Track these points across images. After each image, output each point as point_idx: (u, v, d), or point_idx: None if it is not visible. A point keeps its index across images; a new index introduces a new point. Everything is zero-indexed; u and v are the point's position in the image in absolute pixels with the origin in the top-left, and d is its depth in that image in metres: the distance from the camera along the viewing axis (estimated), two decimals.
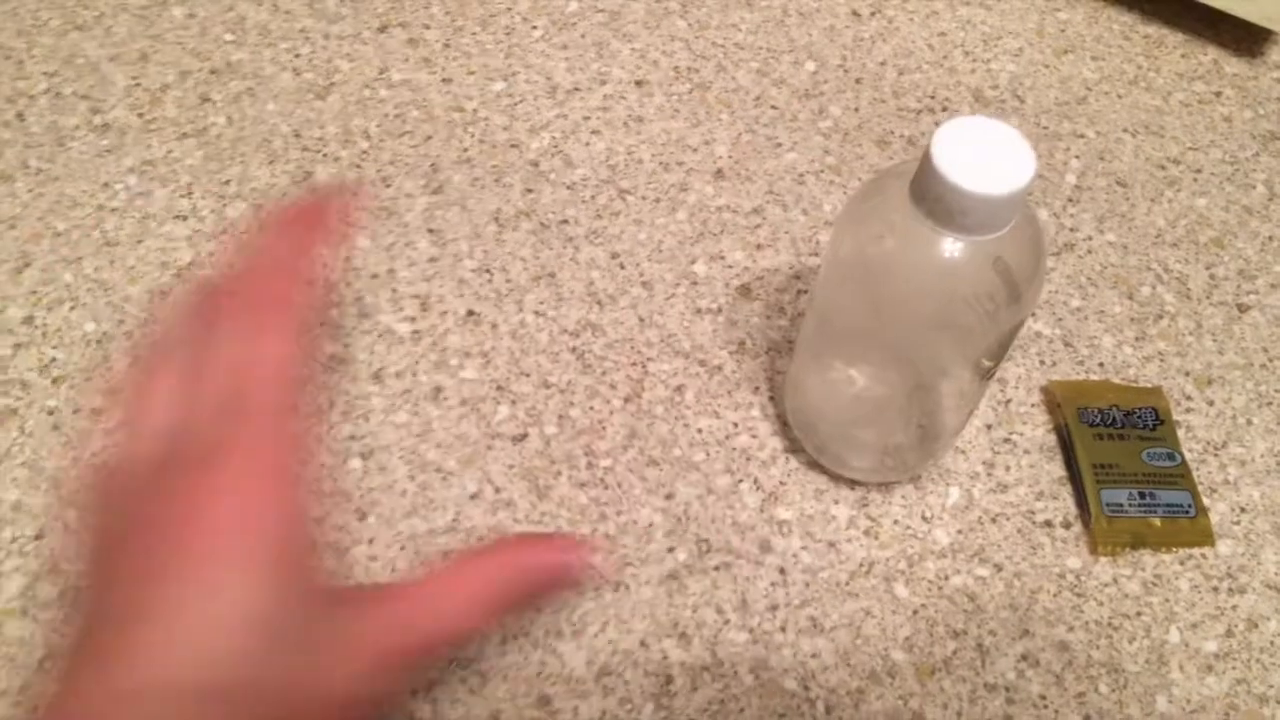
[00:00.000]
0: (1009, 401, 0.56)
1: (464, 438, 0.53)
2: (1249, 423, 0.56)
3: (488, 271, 0.58)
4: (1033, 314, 0.58)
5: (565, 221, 0.60)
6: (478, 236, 0.59)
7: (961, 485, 0.53)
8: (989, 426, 0.55)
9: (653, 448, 0.53)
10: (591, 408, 0.54)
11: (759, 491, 0.52)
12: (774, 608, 0.49)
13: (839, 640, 0.49)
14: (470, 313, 0.57)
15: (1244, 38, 0.73)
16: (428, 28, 0.68)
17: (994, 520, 0.52)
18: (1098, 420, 0.54)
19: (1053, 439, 0.55)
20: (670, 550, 0.50)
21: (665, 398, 0.55)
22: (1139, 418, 0.54)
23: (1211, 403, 0.56)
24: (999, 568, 0.51)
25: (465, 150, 0.63)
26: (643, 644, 0.48)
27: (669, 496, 0.52)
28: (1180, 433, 0.55)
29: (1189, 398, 0.57)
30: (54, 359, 0.54)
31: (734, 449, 0.53)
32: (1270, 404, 0.57)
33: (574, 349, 0.56)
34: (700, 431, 0.54)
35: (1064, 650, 0.49)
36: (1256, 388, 0.57)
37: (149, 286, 0.56)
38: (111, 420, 0.37)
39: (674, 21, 0.70)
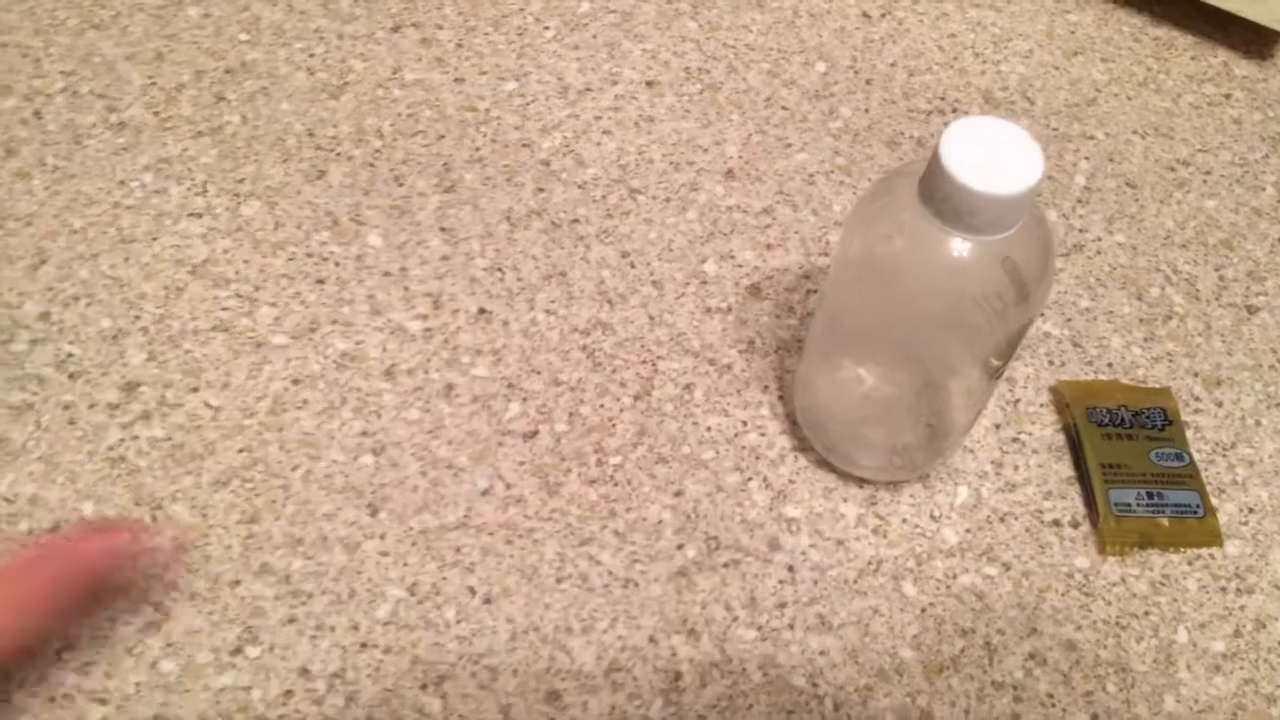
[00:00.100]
0: (1018, 401, 0.56)
1: (475, 434, 0.53)
2: (1257, 424, 0.56)
3: (499, 270, 0.59)
4: (1041, 314, 0.59)
5: (576, 220, 0.61)
6: (489, 235, 0.60)
7: (970, 484, 0.53)
8: (997, 426, 0.55)
9: (662, 445, 0.54)
10: (602, 405, 0.55)
11: (768, 489, 0.52)
12: (782, 605, 0.49)
13: (847, 638, 0.49)
14: (482, 311, 0.57)
15: (1254, 40, 0.73)
16: (440, 28, 0.69)
17: (1002, 519, 0.52)
18: (1106, 420, 0.54)
19: (1061, 439, 0.55)
20: (679, 547, 0.51)
21: (675, 396, 0.55)
22: (1147, 418, 0.55)
23: (1220, 404, 0.57)
24: (1007, 567, 0.51)
25: (477, 149, 0.63)
26: (652, 640, 0.48)
27: (678, 494, 0.52)
28: (1189, 433, 0.55)
29: (1197, 398, 0.57)
30: (70, 354, 0.55)
31: (743, 447, 0.54)
32: (1279, 405, 0.57)
33: (584, 347, 0.56)
34: (709, 429, 0.54)
35: (1072, 649, 0.49)
36: (1265, 389, 0.57)
37: (164, 283, 0.57)
38: None
39: (685, 22, 0.70)
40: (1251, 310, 0.60)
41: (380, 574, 0.49)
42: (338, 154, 0.62)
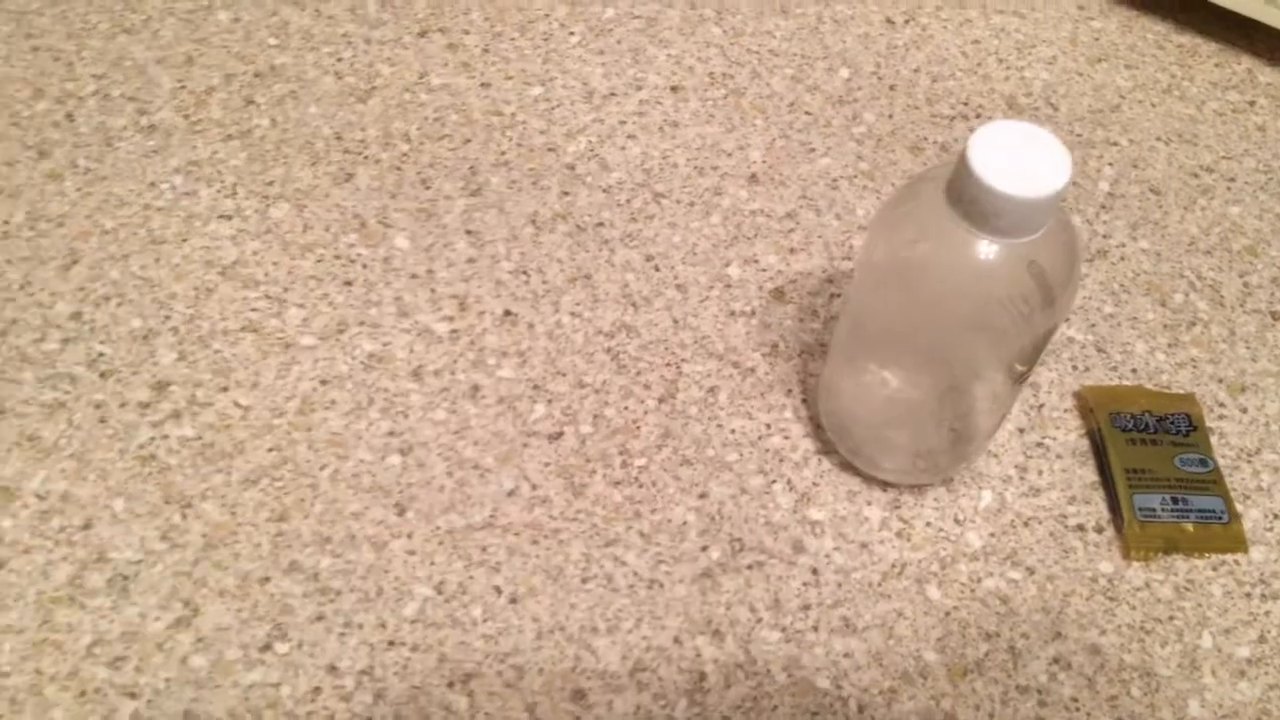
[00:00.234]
0: (1041, 406, 0.56)
1: (501, 435, 0.54)
2: None
3: (525, 273, 0.59)
4: (1066, 319, 0.59)
5: (601, 224, 0.61)
6: (515, 238, 0.60)
7: (994, 488, 0.53)
8: (1021, 430, 0.55)
9: (686, 447, 0.54)
10: (626, 408, 0.55)
11: (792, 492, 0.53)
12: (806, 607, 0.50)
13: (871, 640, 0.49)
14: (507, 313, 0.58)
15: (1278, 48, 0.73)
16: (467, 33, 0.69)
17: (1026, 524, 0.52)
18: (1130, 425, 0.54)
19: (1085, 444, 0.55)
20: (704, 549, 0.51)
21: (699, 399, 0.55)
22: (1172, 424, 0.55)
23: (1244, 410, 0.56)
24: (1031, 571, 0.51)
25: (503, 153, 0.64)
26: (676, 641, 0.49)
27: (702, 496, 0.52)
28: (1213, 439, 0.55)
29: (1222, 404, 0.57)
30: (101, 354, 0.55)
31: (767, 450, 0.54)
32: None
33: (609, 350, 0.57)
34: (733, 432, 0.54)
35: (1096, 654, 0.49)
36: None
37: (194, 284, 0.58)
38: None
39: (709, 28, 0.71)
40: (1276, 317, 0.60)
41: (408, 573, 0.50)
42: (365, 157, 0.63)
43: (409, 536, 0.51)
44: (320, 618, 0.48)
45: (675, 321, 0.58)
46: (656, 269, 0.60)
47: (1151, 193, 0.65)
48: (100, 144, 0.63)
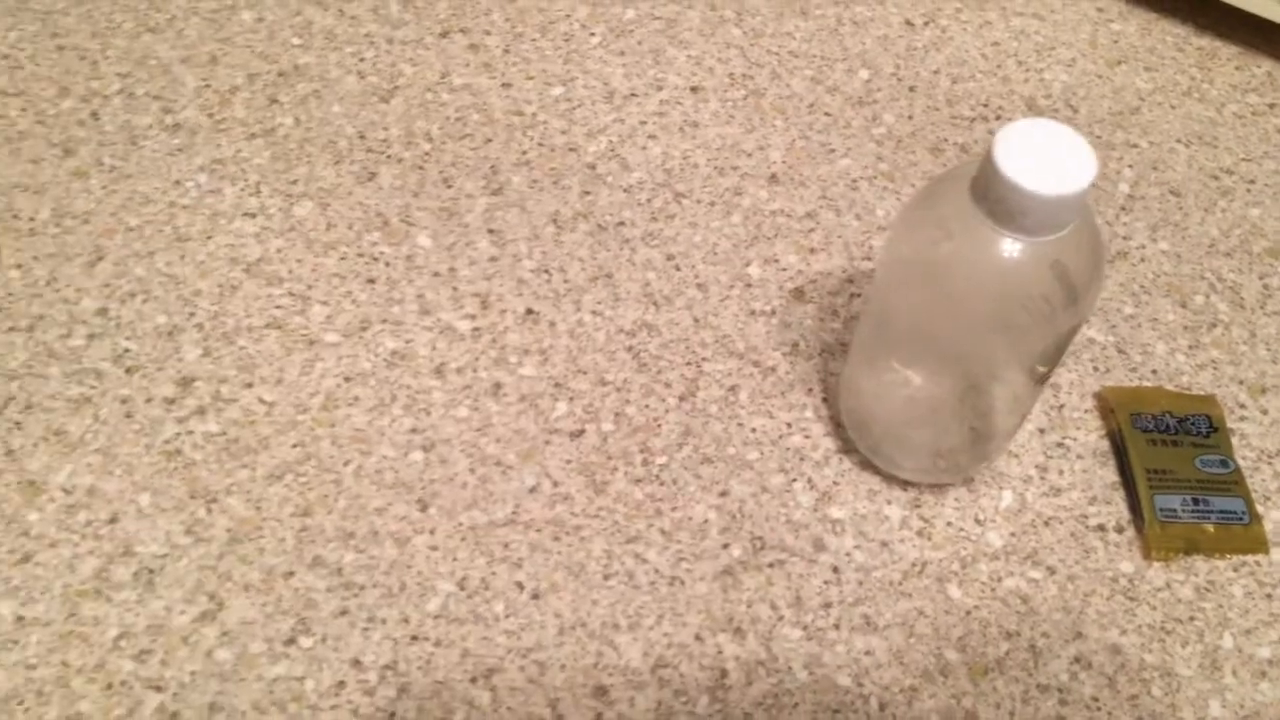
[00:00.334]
0: (1062, 406, 0.56)
1: (523, 433, 0.54)
2: None
3: (546, 271, 0.59)
4: (1086, 320, 0.59)
5: (622, 223, 0.61)
6: (536, 237, 0.61)
7: (1014, 488, 0.53)
8: (1042, 431, 0.55)
9: (707, 446, 0.54)
10: (647, 406, 0.55)
11: (812, 491, 0.53)
12: (828, 605, 0.50)
13: (892, 639, 0.49)
14: (529, 311, 0.58)
15: None
16: (488, 33, 0.70)
17: (1047, 523, 0.52)
18: (1151, 426, 0.54)
19: (1106, 444, 0.55)
20: (725, 546, 0.51)
21: (719, 397, 0.56)
22: (1192, 425, 0.55)
23: (1265, 411, 0.56)
24: (1052, 570, 0.51)
25: (524, 153, 0.64)
26: (698, 638, 0.49)
27: (723, 494, 0.53)
28: (1234, 440, 0.55)
29: (1242, 406, 0.57)
30: (127, 350, 0.56)
31: (787, 448, 0.54)
32: None
33: (630, 348, 0.57)
34: (754, 431, 0.55)
35: (1117, 653, 0.49)
36: None
37: (219, 281, 0.58)
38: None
39: (729, 29, 0.71)
40: None
41: (430, 568, 0.50)
42: (388, 156, 0.63)
43: (432, 532, 0.51)
44: (344, 612, 0.49)
45: (696, 320, 0.58)
46: (677, 268, 0.60)
47: (1171, 194, 0.65)
48: (125, 142, 0.63)
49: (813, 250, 0.61)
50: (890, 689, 0.48)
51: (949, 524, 0.52)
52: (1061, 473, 0.54)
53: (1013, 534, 0.52)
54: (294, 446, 0.53)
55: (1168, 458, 0.54)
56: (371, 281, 0.58)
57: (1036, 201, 0.39)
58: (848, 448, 0.54)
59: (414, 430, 0.54)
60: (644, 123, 0.66)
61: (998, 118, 0.67)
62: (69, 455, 0.52)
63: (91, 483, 0.52)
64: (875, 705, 0.47)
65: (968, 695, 0.48)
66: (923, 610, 0.50)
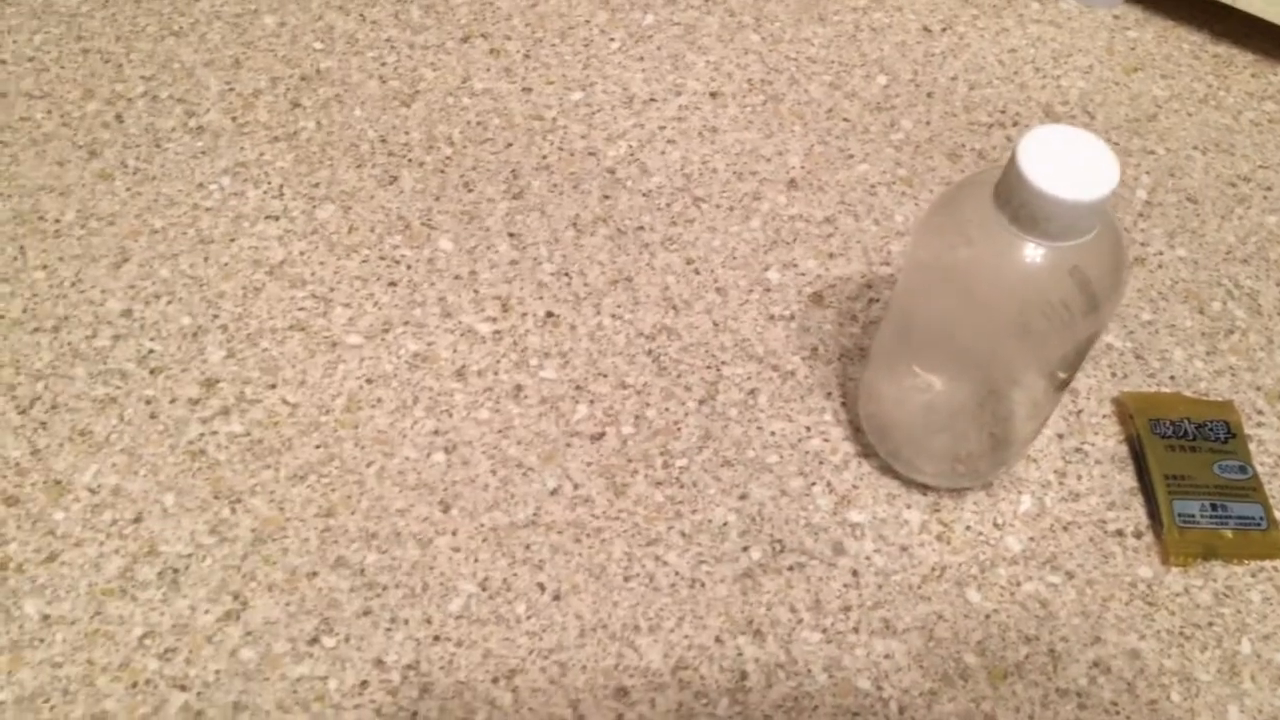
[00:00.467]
0: (1080, 412, 0.56)
1: (544, 435, 0.54)
2: None
3: (566, 275, 0.60)
4: (1106, 327, 0.59)
5: (641, 228, 0.62)
6: (556, 241, 0.61)
7: (1033, 493, 0.53)
8: (1060, 436, 0.55)
9: (727, 449, 0.54)
10: (667, 409, 0.55)
11: (831, 494, 0.53)
12: (847, 609, 0.50)
13: (911, 642, 0.49)
14: (549, 314, 0.58)
15: None
16: (509, 39, 0.70)
17: (1066, 528, 0.53)
18: (1170, 432, 0.54)
19: (1124, 450, 0.55)
20: (745, 549, 0.51)
21: (739, 401, 0.56)
22: (1211, 430, 0.55)
23: None
24: (1071, 575, 0.51)
25: (545, 157, 0.64)
26: (718, 640, 0.49)
27: (743, 497, 0.53)
28: (1251, 446, 0.55)
29: (1260, 412, 0.57)
30: (151, 350, 0.56)
31: (806, 452, 0.54)
32: None
33: (650, 351, 0.57)
34: (773, 434, 0.55)
35: (1135, 658, 0.49)
36: None
37: (242, 283, 0.59)
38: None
39: (748, 35, 0.71)
40: None
41: (452, 569, 0.50)
42: (409, 160, 0.64)
43: (454, 533, 0.51)
44: (367, 612, 0.49)
45: (715, 324, 0.58)
46: (696, 272, 0.60)
47: (1189, 201, 0.65)
48: (149, 145, 0.64)
49: (831, 255, 0.61)
50: (910, 692, 0.48)
51: (968, 528, 0.52)
52: (1080, 478, 0.54)
53: (1032, 539, 0.52)
54: (317, 447, 0.53)
55: (1186, 463, 0.54)
56: (393, 284, 0.59)
57: (1061, 206, 0.39)
58: (867, 452, 0.54)
59: (436, 432, 0.54)
60: (663, 128, 0.66)
61: (1015, 124, 0.67)
62: (94, 455, 0.53)
63: (116, 482, 0.52)
64: (895, 709, 0.48)
65: (987, 699, 0.48)
66: (942, 614, 0.50)
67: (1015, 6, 0.74)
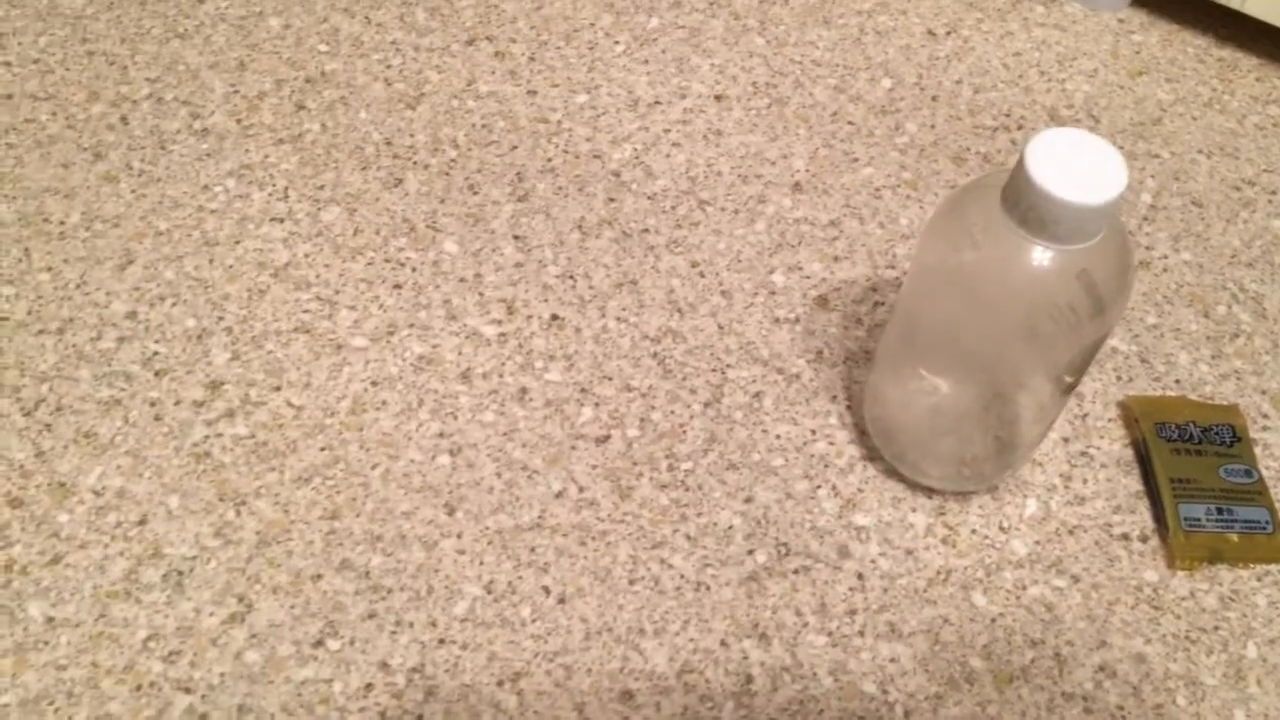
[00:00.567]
0: (1086, 415, 0.56)
1: (549, 438, 0.54)
2: None
3: (571, 277, 0.60)
4: (1112, 330, 0.59)
5: (646, 230, 0.62)
6: (561, 243, 0.61)
7: (1039, 497, 0.53)
8: (1066, 440, 0.55)
9: (732, 452, 0.54)
10: (672, 412, 0.55)
11: (837, 497, 0.53)
12: (852, 612, 0.50)
13: (917, 646, 0.49)
14: (554, 317, 0.58)
15: None
16: (514, 41, 0.70)
17: (1071, 532, 0.52)
18: (1175, 436, 0.54)
19: (1129, 453, 0.55)
20: (750, 552, 0.51)
21: (744, 404, 0.56)
22: (1216, 434, 0.55)
23: None
24: (1076, 579, 0.51)
25: (549, 160, 0.64)
26: (723, 644, 0.49)
27: (748, 500, 0.53)
28: (1257, 450, 0.55)
29: (1265, 416, 0.57)
30: (156, 353, 0.56)
31: (812, 455, 0.54)
32: None
33: (655, 354, 0.57)
34: (779, 437, 0.55)
35: (1141, 662, 0.49)
36: None
37: (247, 285, 0.59)
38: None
39: (752, 38, 0.72)
40: None
41: (457, 572, 0.50)
42: (414, 163, 0.64)
43: (459, 536, 0.51)
44: (372, 615, 0.49)
45: (720, 327, 0.58)
46: (702, 275, 0.60)
47: (1193, 205, 0.65)
48: (154, 147, 0.64)
49: (836, 258, 0.61)
50: (915, 696, 0.48)
51: (974, 532, 0.52)
52: (1086, 481, 0.54)
53: (1037, 542, 0.52)
54: (322, 450, 0.53)
55: (1191, 467, 0.54)
56: (398, 287, 0.59)
57: (1069, 209, 0.39)
58: (872, 455, 0.54)
59: (441, 434, 0.54)
60: (668, 131, 0.66)
61: (1019, 128, 0.67)
62: (99, 457, 0.53)
63: (121, 485, 0.52)
64: (900, 713, 0.48)
65: (993, 703, 0.48)
66: (947, 618, 0.50)
67: (1020, 10, 0.74)
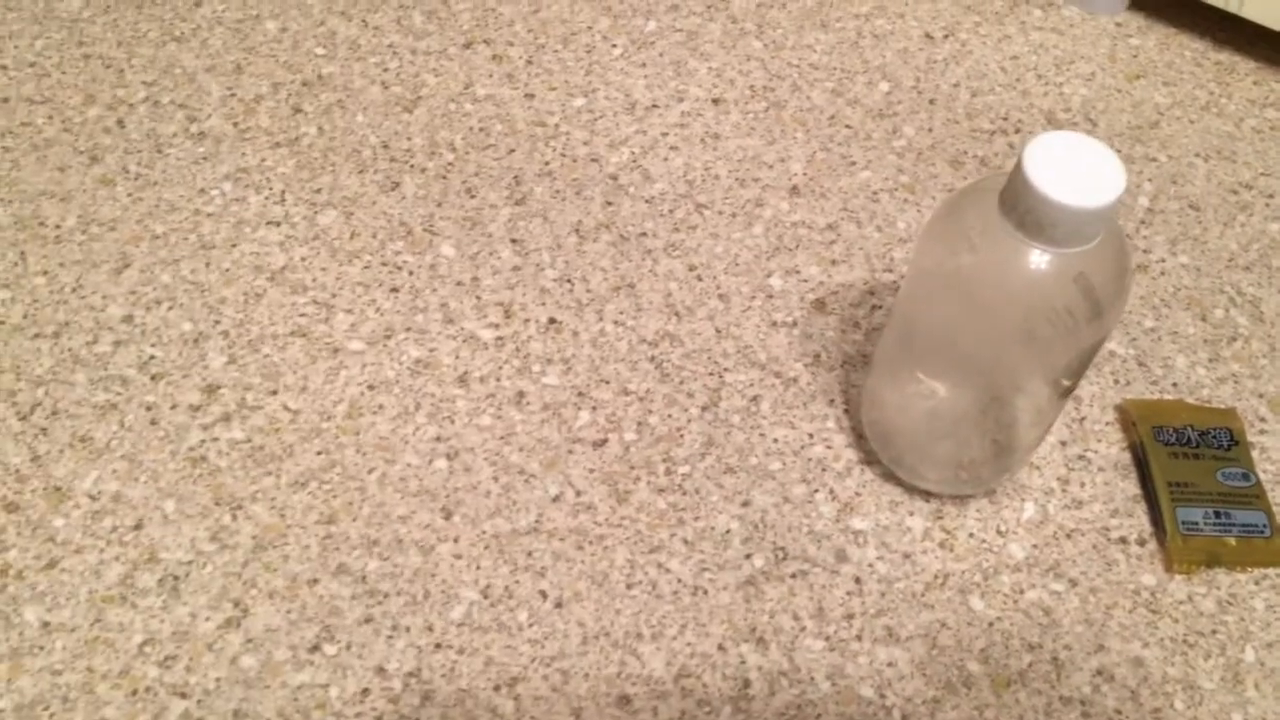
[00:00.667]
0: (1083, 419, 0.56)
1: (546, 442, 0.54)
2: None
3: (568, 281, 0.60)
4: (1110, 334, 0.59)
5: (644, 234, 0.62)
6: (559, 247, 0.61)
7: (1036, 500, 0.53)
8: (1063, 443, 0.55)
9: (729, 456, 0.54)
10: (669, 415, 0.55)
11: (834, 501, 0.53)
12: (850, 616, 0.50)
13: (915, 650, 0.49)
14: (552, 321, 0.58)
15: None
16: (511, 45, 0.70)
17: (1069, 536, 0.52)
18: (1173, 439, 0.54)
19: (1127, 457, 0.55)
20: (747, 557, 0.51)
21: (741, 407, 0.56)
22: (1214, 438, 0.55)
23: None
24: (1074, 583, 0.51)
25: (547, 163, 0.64)
26: (720, 648, 0.49)
27: (746, 504, 0.53)
28: (1254, 453, 0.55)
29: (1263, 419, 0.57)
30: (152, 356, 0.56)
31: (809, 459, 0.54)
32: None
33: (652, 358, 0.57)
34: (776, 441, 0.55)
35: (1139, 666, 0.49)
36: None
37: (244, 289, 0.58)
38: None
39: (750, 42, 0.71)
40: None
41: (454, 576, 0.50)
42: (411, 166, 0.64)
43: (455, 540, 0.51)
44: (368, 620, 0.49)
45: (718, 331, 0.58)
46: (699, 279, 0.60)
47: (1191, 208, 0.65)
48: (151, 150, 0.64)
49: (834, 262, 0.61)
50: (913, 700, 0.48)
51: (971, 535, 0.52)
52: (1083, 485, 0.54)
53: (1035, 546, 0.52)
54: (318, 454, 0.53)
55: (1189, 471, 0.54)
56: (395, 290, 0.59)
57: (1067, 213, 0.39)
58: (869, 459, 0.54)
59: (438, 438, 0.54)
60: (665, 134, 0.66)
61: (1017, 131, 0.67)
62: (94, 461, 0.53)
63: (117, 489, 0.52)
64: (898, 717, 0.47)
65: (990, 707, 0.48)
66: (945, 622, 0.50)
67: (1018, 13, 0.74)
